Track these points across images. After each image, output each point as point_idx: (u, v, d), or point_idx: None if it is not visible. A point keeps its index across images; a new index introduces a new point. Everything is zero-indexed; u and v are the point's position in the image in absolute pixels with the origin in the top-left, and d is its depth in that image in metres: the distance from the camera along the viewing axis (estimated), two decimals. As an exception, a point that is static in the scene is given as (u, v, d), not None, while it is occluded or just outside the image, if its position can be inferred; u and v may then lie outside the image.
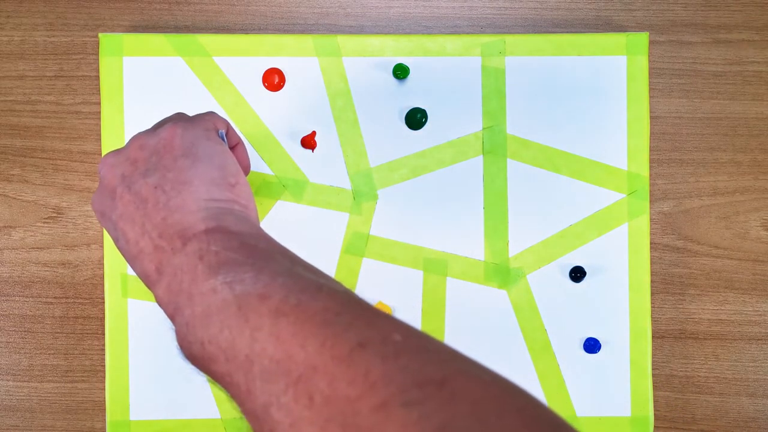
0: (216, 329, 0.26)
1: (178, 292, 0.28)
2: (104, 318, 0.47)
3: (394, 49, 0.46)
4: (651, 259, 0.48)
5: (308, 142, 0.46)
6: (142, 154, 0.33)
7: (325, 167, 0.46)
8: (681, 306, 0.49)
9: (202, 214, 0.30)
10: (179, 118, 0.34)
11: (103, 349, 0.48)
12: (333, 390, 0.22)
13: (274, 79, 0.46)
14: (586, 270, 0.46)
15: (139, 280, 0.46)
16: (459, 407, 0.21)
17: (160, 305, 0.30)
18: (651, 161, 0.48)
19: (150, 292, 0.45)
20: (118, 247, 0.32)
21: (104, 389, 0.47)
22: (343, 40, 0.46)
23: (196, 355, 0.27)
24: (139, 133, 0.34)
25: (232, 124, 0.46)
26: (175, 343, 0.29)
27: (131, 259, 0.31)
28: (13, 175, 0.48)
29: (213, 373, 0.27)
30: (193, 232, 0.29)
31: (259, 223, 0.33)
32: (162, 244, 0.30)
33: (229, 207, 0.31)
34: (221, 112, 0.46)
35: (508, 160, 0.46)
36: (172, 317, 0.29)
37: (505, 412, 0.21)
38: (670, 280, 0.48)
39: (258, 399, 0.24)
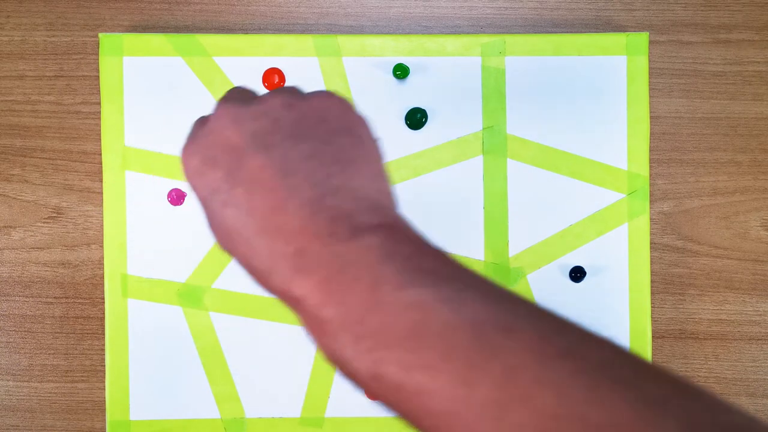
0: (412, 357, 0.21)
1: (344, 291, 0.23)
2: (104, 318, 0.47)
3: (394, 49, 0.46)
4: (651, 259, 0.48)
5: (308, 142, 0.46)
6: (288, 115, 0.26)
7: (325, 167, 0.46)
8: (681, 306, 0.48)
9: (373, 204, 0.25)
10: (332, 92, 0.28)
11: (103, 349, 0.48)
12: None
13: (274, 79, 0.46)
14: (586, 270, 0.46)
15: (139, 281, 0.46)
16: None
17: (287, 292, 0.24)
18: (651, 161, 0.48)
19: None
20: (223, 215, 0.25)
21: (104, 389, 0.47)
22: (343, 40, 0.46)
23: (352, 369, 0.22)
24: (277, 91, 0.27)
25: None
26: (305, 331, 0.24)
27: (254, 233, 0.24)
28: (13, 175, 0.48)
29: (388, 400, 0.22)
30: (368, 223, 0.24)
31: None
32: (316, 228, 0.24)
33: (394, 204, 0.26)
34: (221, 112, 0.46)
35: (508, 160, 0.46)
36: (316, 311, 0.23)
37: None
38: (670, 280, 0.48)
39: None
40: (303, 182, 0.24)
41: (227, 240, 0.26)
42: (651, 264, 0.47)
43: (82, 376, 0.48)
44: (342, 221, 0.24)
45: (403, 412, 0.22)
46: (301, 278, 0.23)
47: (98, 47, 0.47)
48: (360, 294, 0.22)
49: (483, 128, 0.46)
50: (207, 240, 0.46)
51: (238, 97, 0.28)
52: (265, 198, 0.24)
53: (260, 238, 0.24)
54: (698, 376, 0.49)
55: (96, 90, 0.48)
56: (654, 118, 0.48)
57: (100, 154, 0.47)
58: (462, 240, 0.46)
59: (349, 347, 0.22)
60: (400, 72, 0.45)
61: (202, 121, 0.28)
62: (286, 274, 0.24)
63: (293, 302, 0.24)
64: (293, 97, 0.27)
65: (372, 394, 0.23)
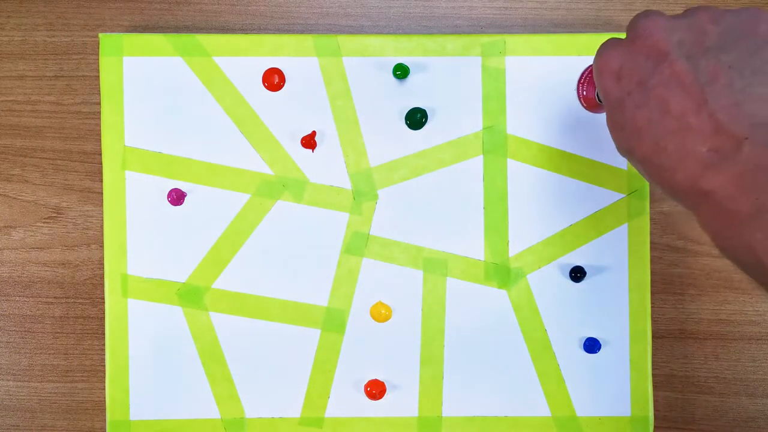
0: None
1: (762, 187, 0.25)
2: (104, 318, 0.47)
3: (394, 49, 0.46)
4: (651, 259, 0.48)
5: (308, 142, 0.46)
6: (714, 28, 0.29)
7: (325, 167, 0.46)
8: (681, 306, 0.49)
9: None
10: (762, 9, 0.30)
11: (103, 349, 0.48)
12: None
13: (274, 79, 0.46)
14: (586, 270, 0.46)
15: (139, 281, 0.46)
16: None
17: (693, 187, 0.27)
18: (651, 161, 0.48)
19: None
20: (635, 116, 0.28)
21: (104, 389, 0.47)
22: (343, 40, 0.46)
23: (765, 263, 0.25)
24: (706, 8, 0.30)
25: (232, 124, 0.46)
26: (706, 226, 0.27)
27: (665, 132, 0.27)
28: (13, 175, 0.48)
29: None
30: None
31: None
32: (732, 131, 0.26)
33: None
34: (221, 112, 0.46)
35: (508, 160, 0.46)
36: (727, 203, 0.26)
37: None
38: (670, 280, 0.48)
39: None
40: (722, 89, 0.26)
41: (633, 139, 0.29)
42: (651, 264, 0.47)
43: (82, 376, 0.48)
44: (762, 127, 0.25)
45: None
46: (712, 173, 0.26)
47: (98, 47, 0.47)
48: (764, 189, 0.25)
49: (483, 128, 0.46)
50: (207, 240, 0.46)
51: (660, 14, 0.30)
52: (683, 101, 0.27)
53: (671, 137, 0.27)
54: (698, 376, 0.49)
55: (96, 90, 0.48)
56: (654, 118, 0.48)
57: (100, 154, 0.47)
58: (462, 240, 0.46)
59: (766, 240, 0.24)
60: (400, 72, 0.45)
61: (614, 42, 0.31)
62: (695, 170, 0.26)
63: (698, 196, 0.27)
64: (721, 12, 0.29)
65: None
